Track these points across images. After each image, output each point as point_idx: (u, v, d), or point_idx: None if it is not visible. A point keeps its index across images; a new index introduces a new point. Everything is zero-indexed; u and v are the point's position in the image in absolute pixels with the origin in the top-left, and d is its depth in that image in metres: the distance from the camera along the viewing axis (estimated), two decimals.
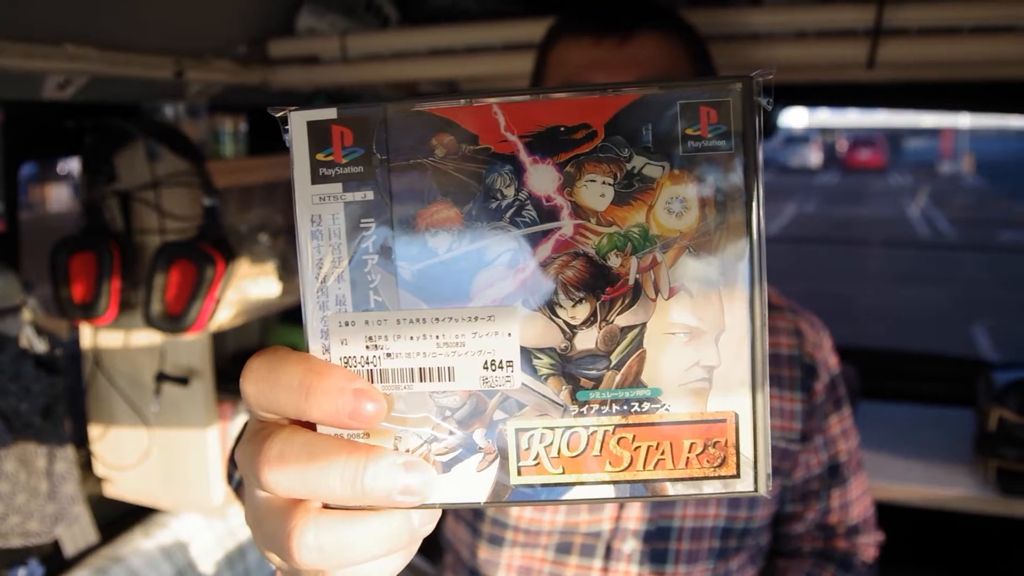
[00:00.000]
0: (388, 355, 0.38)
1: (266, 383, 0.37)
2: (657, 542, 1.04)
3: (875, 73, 1.40)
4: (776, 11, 1.35)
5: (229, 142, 1.77)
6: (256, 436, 0.38)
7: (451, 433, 0.38)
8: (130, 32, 1.39)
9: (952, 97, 1.82)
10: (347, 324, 0.38)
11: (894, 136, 30.29)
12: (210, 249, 1.54)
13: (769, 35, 1.38)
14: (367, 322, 0.38)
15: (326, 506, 0.38)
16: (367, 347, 0.38)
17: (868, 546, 1.19)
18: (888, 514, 1.41)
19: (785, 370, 1.11)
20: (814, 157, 26.13)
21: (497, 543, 1.07)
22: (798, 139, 26.40)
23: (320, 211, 0.37)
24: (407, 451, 0.38)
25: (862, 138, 26.66)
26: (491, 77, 1.54)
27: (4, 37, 1.20)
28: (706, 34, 1.37)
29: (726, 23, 1.37)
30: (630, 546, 1.04)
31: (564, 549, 1.05)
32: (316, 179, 0.37)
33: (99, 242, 1.58)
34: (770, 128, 2.01)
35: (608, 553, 1.05)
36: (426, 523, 0.39)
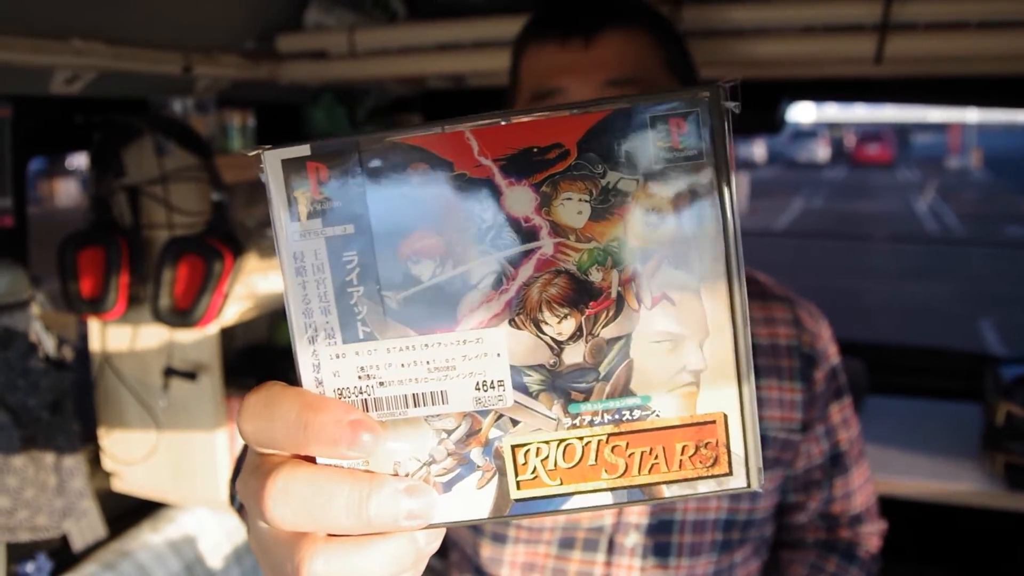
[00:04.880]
0: (381, 384, 0.38)
1: (263, 420, 0.38)
2: (659, 535, 1.04)
3: (883, 68, 1.40)
4: (784, 6, 1.35)
5: (237, 137, 1.77)
6: (257, 471, 0.39)
7: (449, 454, 0.39)
8: (138, 27, 1.40)
9: (960, 92, 1.81)
10: (338, 356, 0.38)
11: (902, 131, 30.19)
12: (218, 244, 1.54)
13: (777, 30, 1.38)
14: (357, 353, 0.38)
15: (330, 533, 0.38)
16: (359, 377, 0.38)
17: (872, 535, 1.19)
18: (895, 509, 1.41)
19: (784, 360, 1.11)
20: (821, 152, 26.09)
21: (500, 540, 1.07)
22: (806, 134, 26.35)
23: (302, 247, 0.38)
24: (407, 475, 0.39)
25: (870, 133, 26.61)
26: (498, 72, 1.54)
27: (12, 32, 1.20)
28: (713, 30, 1.37)
29: (733, 18, 1.37)
30: (632, 540, 1.04)
31: (567, 544, 1.05)
32: (295, 216, 0.38)
33: (107, 237, 1.58)
34: (777, 123, 2.00)
35: (611, 547, 1.05)
36: (431, 542, 0.39)
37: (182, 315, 1.56)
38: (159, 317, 1.57)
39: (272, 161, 0.37)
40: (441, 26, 1.56)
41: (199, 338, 1.72)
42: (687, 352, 0.37)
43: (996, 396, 1.94)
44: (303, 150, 0.37)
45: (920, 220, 14.69)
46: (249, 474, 0.39)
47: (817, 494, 1.16)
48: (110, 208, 1.64)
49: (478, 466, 0.39)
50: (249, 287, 1.77)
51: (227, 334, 1.92)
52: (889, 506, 1.26)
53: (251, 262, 1.78)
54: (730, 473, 0.38)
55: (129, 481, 1.84)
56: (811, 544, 1.19)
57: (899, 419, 2.20)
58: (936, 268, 10.58)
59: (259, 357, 2.08)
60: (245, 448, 0.41)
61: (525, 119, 0.36)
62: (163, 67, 1.46)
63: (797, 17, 1.35)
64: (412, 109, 2.24)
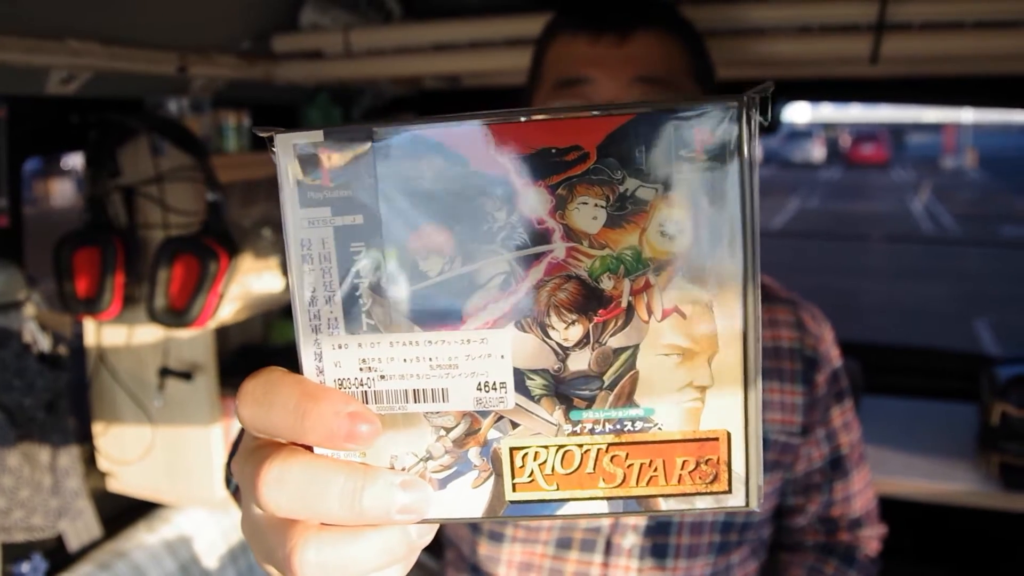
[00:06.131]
0: (382, 377, 0.38)
1: (261, 407, 0.38)
2: (657, 536, 1.04)
3: (878, 68, 1.40)
4: (779, 6, 1.35)
5: (233, 137, 1.77)
6: (253, 456, 0.39)
7: (446, 452, 0.39)
8: (133, 27, 1.39)
9: (955, 92, 1.81)
10: (340, 347, 0.38)
11: (897, 131, 30.22)
12: (213, 244, 1.54)
13: (773, 29, 1.38)
14: (360, 344, 0.38)
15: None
16: (361, 369, 0.38)
17: (871, 539, 1.19)
18: (891, 509, 1.41)
19: (786, 363, 1.11)
20: (817, 152, 26.07)
21: (497, 539, 1.07)
22: (801, 134, 26.33)
23: (310, 235, 0.37)
24: (403, 469, 0.39)
25: (865, 133, 26.59)
26: (494, 72, 1.54)
27: (7, 32, 1.20)
28: (709, 29, 1.37)
29: (729, 18, 1.37)
30: (630, 541, 1.04)
31: (564, 544, 1.05)
32: (305, 203, 0.37)
33: (103, 237, 1.58)
34: (773, 124, 2.01)
35: (608, 548, 1.05)
36: (424, 536, 0.39)
37: (177, 315, 1.55)
38: (154, 317, 1.56)
39: (284, 145, 0.37)
40: (437, 26, 1.56)
41: (194, 338, 1.72)
42: (695, 367, 0.36)
43: (991, 396, 1.94)
44: (316, 135, 0.36)
45: (916, 220, 14.70)
46: (245, 458, 0.39)
47: (817, 497, 1.16)
48: (106, 208, 1.63)
49: (475, 465, 0.39)
50: (244, 287, 1.76)
51: (222, 334, 1.92)
52: (884, 506, 1.26)
53: (247, 262, 1.78)
54: (729, 491, 0.37)
55: (124, 481, 1.83)
56: (810, 547, 1.19)
57: (895, 419, 2.21)
58: (931, 268, 10.59)
59: (254, 357, 2.08)
60: (242, 430, 0.41)
61: (545, 118, 0.35)
62: (158, 67, 1.46)
63: (793, 17, 1.35)
64: (408, 109, 2.24)
